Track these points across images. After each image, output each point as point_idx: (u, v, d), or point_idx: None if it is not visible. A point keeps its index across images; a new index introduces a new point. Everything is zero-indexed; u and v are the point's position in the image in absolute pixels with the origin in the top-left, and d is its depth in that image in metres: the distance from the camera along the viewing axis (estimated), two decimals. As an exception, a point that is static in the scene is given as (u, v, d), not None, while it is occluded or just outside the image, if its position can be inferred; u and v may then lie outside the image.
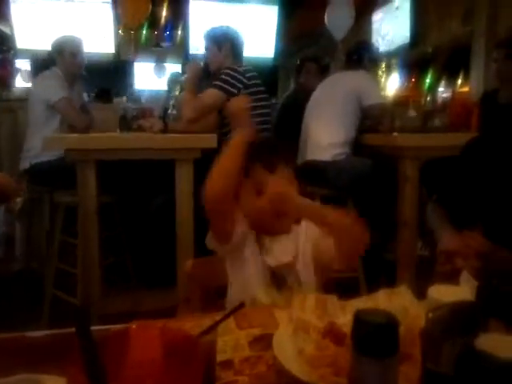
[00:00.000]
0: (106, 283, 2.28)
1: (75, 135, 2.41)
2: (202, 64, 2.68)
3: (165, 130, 2.44)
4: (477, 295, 0.48)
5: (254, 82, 2.49)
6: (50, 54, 2.95)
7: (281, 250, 1.04)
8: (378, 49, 3.03)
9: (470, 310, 0.43)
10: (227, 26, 2.73)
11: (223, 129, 2.55)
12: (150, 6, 4.21)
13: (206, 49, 2.67)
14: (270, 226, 1.04)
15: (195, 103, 2.44)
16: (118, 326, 0.74)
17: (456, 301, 0.43)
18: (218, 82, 2.42)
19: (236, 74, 2.43)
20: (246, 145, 0.99)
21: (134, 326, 0.57)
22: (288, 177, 1.04)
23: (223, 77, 2.42)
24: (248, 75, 2.47)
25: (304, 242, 1.05)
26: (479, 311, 0.44)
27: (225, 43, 2.60)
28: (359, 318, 0.40)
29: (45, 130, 2.68)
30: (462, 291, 0.49)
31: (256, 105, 2.50)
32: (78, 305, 2.13)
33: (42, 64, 4.10)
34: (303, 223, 1.06)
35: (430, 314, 0.43)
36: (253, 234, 1.06)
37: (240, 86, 2.42)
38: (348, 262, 0.96)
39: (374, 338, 0.38)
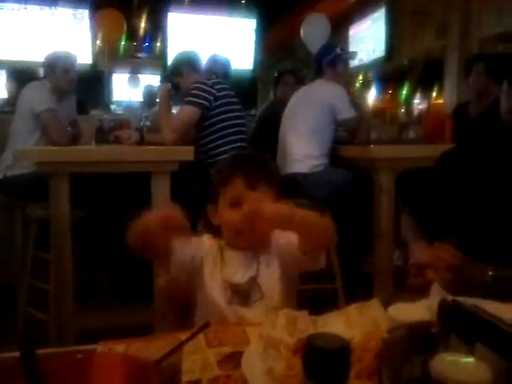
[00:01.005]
0: (80, 299, 2.22)
1: (48, 147, 2.37)
2: (170, 85, 2.77)
3: (141, 141, 2.43)
4: (438, 312, 0.48)
5: (224, 93, 2.54)
6: (42, 66, 2.92)
7: (243, 267, 1.03)
8: (349, 52, 3.03)
9: (428, 329, 0.43)
10: (180, 53, 2.93)
11: (200, 141, 2.55)
12: (125, 24, 4.21)
13: (174, 74, 2.77)
14: (238, 239, 1.04)
15: (173, 124, 2.49)
16: (83, 348, 0.72)
17: (413, 321, 0.43)
18: (189, 98, 2.47)
19: (205, 87, 2.49)
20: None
21: (97, 351, 0.55)
22: (268, 194, 1.03)
23: (193, 91, 2.48)
24: (217, 87, 2.51)
25: (269, 256, 1.04)
26: (439, 328, 0.44)
27: (186, 60, 2.74)
28: (310, 343, 0.39)
29: (27, 141, 2.63)
30: (422, 309, 0.49)
31: (229, 115, 2.54)
32: (48, 322, 2.07)
33: (24, 75, 4.05)
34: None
35: (386, 335, 0.42)
36: (212, 253, 1.05)
37: (210, 97, 2.48)
38: (314, 253, 0.96)
39: (324, 364, 0.37)
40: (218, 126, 2.52)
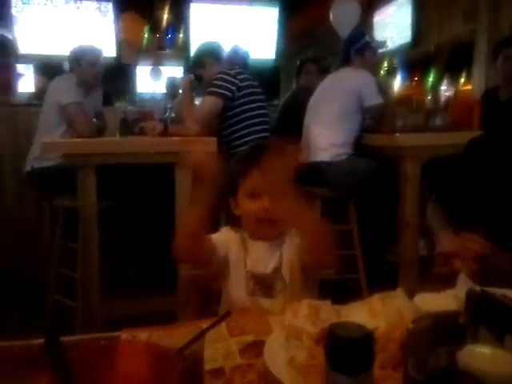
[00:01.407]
0: (106, 287, 2.27)
1: (74, 140, 2.41)
2: (193, 76, 2.75)
3: (165, 132, 2.45)
4: (466, 303, 0.46)
5: (247, 83, 2.52)
6: (68, 60, 2.97)
7: (266, 258, 1.03)
8: (378, 40, 2.96)
9: (454, 319, 0.41)
10: (201, 44, 2.87)
11: (223, 131, 2.55)
12: (147, 27, 4.24)
13: (197, 66, 2.75)
14: (258, 229, 1.04)
15: (196, 115, 2.49)
16: (107, 335, 0.74)
17: (439, 310, 0.42)
18: (212, 89, 2.47)
19: (228, 77, 2.47)
20: (208, 204, 0.96)
21: (121, 339, 0.55)
22: (285, 183, 1.02)
23: (216, 82, 2.47)
24: (240, 77, 2.50)
25: (289, 246, 1.05)
26: (467, 319, 0.42)
27: (209, 51, 2.70)
28: (332, 333, 0.38)
29: (53, 133, 2.69)
30: (448, 299, 0.47)
31: (252, 106, 2.52)
32: (76, 309, 2.13)
33: (51, 69, 4.13)
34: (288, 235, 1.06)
35: (411, 325, 0.41)
36: (235, 244, 1.06)
37: (233, 88, 2.46)
38: (317, 257, 0.95)
39: (347, 354, 0.36)
40: (242, 117, 2.51)
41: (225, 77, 2.48)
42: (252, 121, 2.52)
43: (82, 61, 2.84)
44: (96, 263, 2.10)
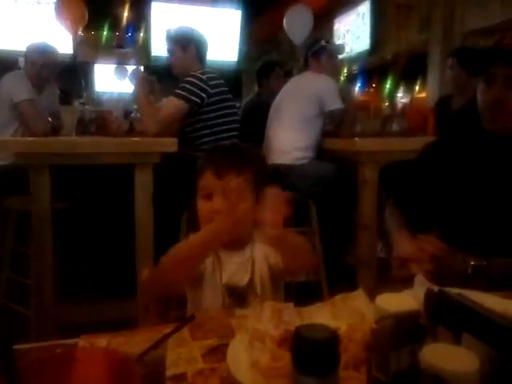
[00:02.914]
0: (61, 293, 2.18)
1: (26, 138, 2.31)
2: (142, 70, 2.58)
3: (131, 130, 2.38)
4: (425, 303, 0.48)
5: (218, 89, 2.41)
6: (23, 56, 2.86)
7: (241, 270, 1.02)
8: (335, 44, 3.03)
9: (415, 319, 0.43)
10: (191, 28, 2.63)
11: (188, 135, 2.47)
12: (86, 13, 4.11)
13: (169, 51, 2.57)
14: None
15: (156, 116, 2.33)
16: (63, 342, 0.71)
17: (401, 310, 0.43)
18: (179, 91, 2.33)
19: (199, 82, 2.34)
20: (219, 239, 0.94)
21: (78, 346, 0.53)
22: (239, 184, 1.00)
23: (185, 85, 2.33)
24: (212, 83, 2.38)
25: (258, 254, 1.04)
26: (427, 319, 0.43)
27: (189, 45, 2.50)
28: (298, 335, 0.38)
29: (5, 132, 2.59)
30: (409, 299, 0.49)
31: (222, 113, 2.45)
32: (29, 317, 2.03)
33: (4, 65, 3.94)
34: (256, 242, 1.06)
35: (375, 326, 0.42)
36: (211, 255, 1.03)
37: (203, 95, 2.34)
38: (298, 269, 0.96)
39: (314, 355, 0.37)
40: (209, 123, 2.40)
41: (196, 81, 2.34)
42: (219, 128, 2.43)
43: (35, 58, 2.75)
44: (50, 268, 2.01)
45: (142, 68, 2.60)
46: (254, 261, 1.03)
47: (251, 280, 1.02)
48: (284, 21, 4.34)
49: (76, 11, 4.03)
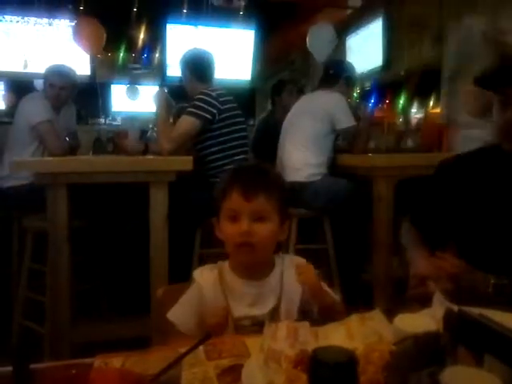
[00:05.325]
0: (76, 311, 2.19)
1: (45, 158, 2.36)
2: (165, 90, 2.65)
3: (145, 151, 2.41)
4: (444, 323, 0.46)
5: (228, 106, 2.45)
6: (42, 78, 2.93)
7: (257, 299, 1.01)
8: (353, 67, 3.06)
9: (435, 340, 0.42)
10: (190, 49, 2.72)
11: (199, 152, 2.50)
12: (105, 35, 4.21)
13: (181, 73, 2.66)
14: (238, 254, 1.01)
15: (172, 134, 2.39)
16: (79, 361, 0.70)
17: (420, 332, 0.42)
18: (191, 109, 2.38)
19: (209, 99, 2.39)
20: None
21: (94, 366, 0.53)
22: (266, 205, 0.99)
23: (196, 103, 2.39)
24: (222, 99, 2.42)
25: (289, 291, 1.02)
26: (447, 340, 0.42)
27: (186, 66, 2.60)
28: (316, 358, 0.38)
29: (23, 153, 2.64)
30: (427, 320, 0.48)
31: (230, 130, 2.47)
32: (44, 335, 2.04)
33: (22, 87, 4.05)
34: (288, 269, 1.04)
35: (394, 347, 0.41)
36: (212, 289, 1.01)
37: (214, 111, 2.38)
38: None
39: (332, 379, 0.36)
40: (220, 140, 2.44)
41: (206, 98, 2.39)
42: (229, 144, 2.46)
43: (54, 80, 2.82)
44: (66, 287, 2.03)
45: (165, 89, 2.65)
46: (283, 287, 1.01)
47: (275, 308, 0.99)
48: (307, 38, 4.36)
49: (95, 33, 4.14)
